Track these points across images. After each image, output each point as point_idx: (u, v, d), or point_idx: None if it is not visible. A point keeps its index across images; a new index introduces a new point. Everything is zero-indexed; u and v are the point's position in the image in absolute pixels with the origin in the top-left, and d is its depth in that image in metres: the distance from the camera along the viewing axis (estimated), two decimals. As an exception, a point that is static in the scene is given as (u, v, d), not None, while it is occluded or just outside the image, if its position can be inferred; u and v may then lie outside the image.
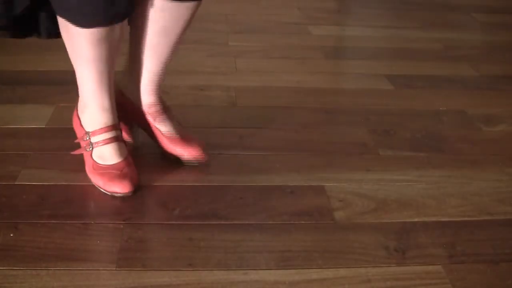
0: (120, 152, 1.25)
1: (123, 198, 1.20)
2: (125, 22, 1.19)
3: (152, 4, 1.19)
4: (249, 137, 1.47)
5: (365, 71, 1.92)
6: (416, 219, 1.19)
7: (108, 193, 1.21)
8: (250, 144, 1.44)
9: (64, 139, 1.42)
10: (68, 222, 1.14)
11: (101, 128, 1.24)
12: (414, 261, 1.07)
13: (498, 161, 1.41)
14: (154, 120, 1.33)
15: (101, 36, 1.14)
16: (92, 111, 1.25)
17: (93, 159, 1.24)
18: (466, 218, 1.20)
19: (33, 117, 1.52)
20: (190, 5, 1.21)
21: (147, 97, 1.33)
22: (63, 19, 1.14)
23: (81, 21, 1.12)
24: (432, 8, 2.73)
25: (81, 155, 1.27)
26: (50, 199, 1.20)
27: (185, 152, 1.32)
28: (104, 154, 1.24)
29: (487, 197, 1.27)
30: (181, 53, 2.00)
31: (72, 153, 1.29)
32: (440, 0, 2.85)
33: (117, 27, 1.15)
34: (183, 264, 1.05)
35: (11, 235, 1.10)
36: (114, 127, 1.26)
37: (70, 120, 1.51)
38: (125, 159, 1.25)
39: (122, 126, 1.34)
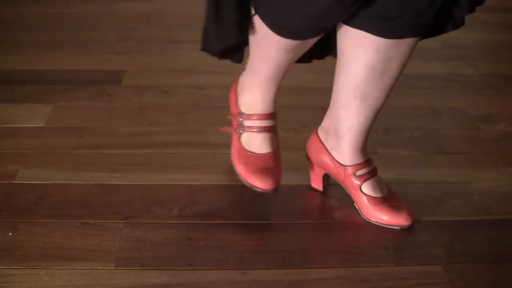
0: (271, 143, 1.17)
1: (122, 202, 1.20)
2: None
3: (361, 46, 1.04)
4: (248, 136, 1.47)
5: (364, 70, 1.92)
6: (415, 219, 1.19)
7: (247, 184, 1.14)
8: (249, 143, 1.44)
9: (63, 138, 1.43)
10: (67, 221, 1.14)
11: (258, 114, 1.17)
12: (413, 261, 1.08)
13: (497, 161, 1.41)
14: (360, 182, 1.17)
15: (294, 45, 1.05)
16: (254, 96, 1.18)
17: (240, 143, 1.18)
18: (465, 218, 1.20)
19: (32, 116, 1.52)
20: (408, 42, 1.03)
21: (354, 156, 1.17)
22: (264, 24, 1.04)
23: (282, 31, 1.03)
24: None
25: (78, 156, 1.27)
26: (49, 199, 1.20)
27: (395, 222, 1.15)
28: (253, 141, 1.17)
29: (486, 197, 1.27)
30: (181, 52, 2.00)
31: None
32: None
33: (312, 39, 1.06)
34: (182, 264, 1.05)
35: (10, 234, 1.10)
36: (271, 116, 1.18)
37: (69, 119, 1.51)
38: (274, 151, 1.17)
39: (316, 174, 1.24)
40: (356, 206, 1.19)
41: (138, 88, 1.70)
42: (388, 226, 1.15)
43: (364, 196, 1.17)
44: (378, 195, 1.17)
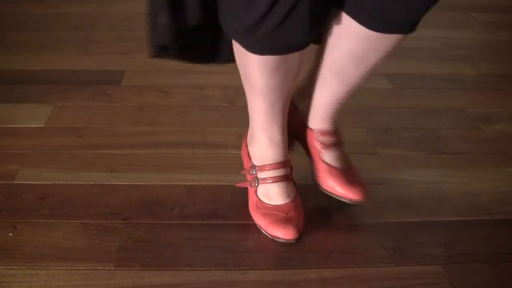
0: (288, 192, 1.14)
1: (122, 203, 1.20)
2: (306, 51, 1.04)
3: (349, 32, 1.04)
4: (248, 136, 1.47)
5: (364, 70, 1.92)
6: (415, 219, 1.19)
7: (269, 237, 1.11)
8: (249, 143, 1.44)
9: (63, 138, 1.43)
10: (66, 221, 1.14)
11: (270, 164, 1.15)
12: (413, 261, 1.08)
13: (497, 161, 1.41)
14: (322, 148, 1.19)
15: (276, 65, 1.02)
16: (261, 144, 1.16)
17: (257, 197, 1.15)
18: (465, 218, 1.20)
19: (32, 116, 1.52)
20: (396, 37, 1.04)
21: (322, 123, 1.19)
22: (237, 43, 1.03)
23: (253, 47, 1.00)
24: (431, 7, 2.72)
25: (78, 156, 1.27)
26: (48, 199, 1.20)
27: (346, 194, 1.16)
28: (270, 192, 1.14)
29: (486, 197, 1.27)
30: (180, 52, 2.00)
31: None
32: (439, -1, 2.84)
33: (294, 56, 1.03)
34: (182, 264, 1.05)
35: (10, 234, 1.10)
36: (284, 164, 1.16)
37: (69, 119, 1.51)
38: (293, 200, 1.14)
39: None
40: (315, 175, 1.20)
41: (137, 88, 1.70)
42: (339, 198, 1.16)
43: (322, 163, 1.18)
44: (337, 165, 1.17)
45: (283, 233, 1.09)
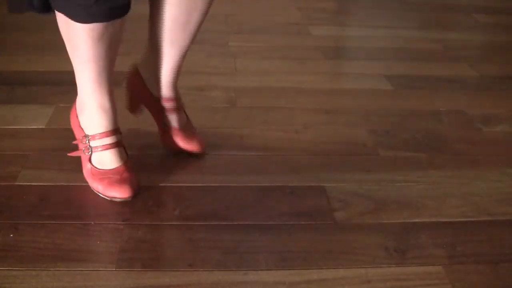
0: (120, 156, 1.22)
1: (123, 202, 1.20)
2: (125, 19, 1.15)
3: (168, 2, 1.19)
4: (249, 137, 1.47)
5: (365, 71, 1.92)
6: (416, 220, 1.19)
7: (107, 198, 1.19)
8: (250, 144, 1.44)
9: (64, 140, 1.42)
10: (67, 222, 1.14)
11: (102, 133, 1.22)
12: (414, 261, 1.07)
13: (498, 162, 1.41)
14: (166, 113, 1.34)
15: (101, 33, 1.11)
16: (92, 112, 1.22)
17: (92, 164, 1.22)
18: (466, 219, 1.20)
19: (33, 117, 1.52)
20: None
21: (166, 90, 1.32)
22: (62, 14, 1.11)
23: (80, 16, 1.08)
24: (432, 9, 2.73)
25: (78, 157, 1.27)
26: (50, 200, 1.20)
27: (188, 147, 1.35)
28: (103, 159, 1.22)
29: (486, 198, 1.27)
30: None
31: (70, 154, 1.27)
32: (440, 0, 2.85)
33: (117, 23, 1.12)
34: (183, 265, 1.05)
35: (11, 235, 1.10)
36: (115, 131, 1.23)
37: (70, 121, 1.51)
38: (125, 163, 1.22)
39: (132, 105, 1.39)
40: (160, 136, 1.38)
41: (138, 89, 1.70)
42: (183, 151, 1.36)
43: (166, 126, 1.35)
44: (178, 126, 1.35)
45: (120, 193, 1.18)
